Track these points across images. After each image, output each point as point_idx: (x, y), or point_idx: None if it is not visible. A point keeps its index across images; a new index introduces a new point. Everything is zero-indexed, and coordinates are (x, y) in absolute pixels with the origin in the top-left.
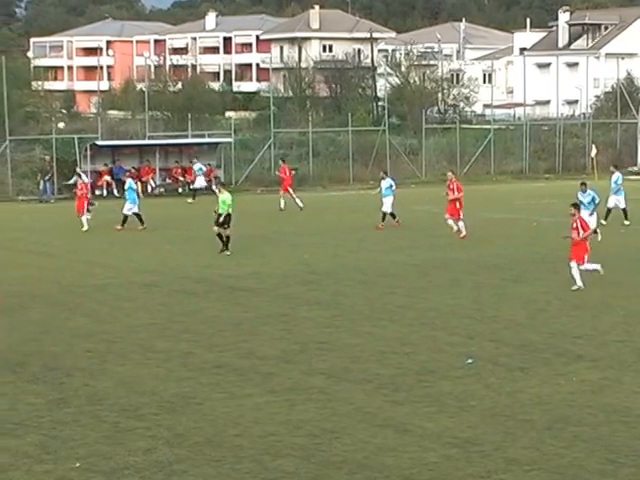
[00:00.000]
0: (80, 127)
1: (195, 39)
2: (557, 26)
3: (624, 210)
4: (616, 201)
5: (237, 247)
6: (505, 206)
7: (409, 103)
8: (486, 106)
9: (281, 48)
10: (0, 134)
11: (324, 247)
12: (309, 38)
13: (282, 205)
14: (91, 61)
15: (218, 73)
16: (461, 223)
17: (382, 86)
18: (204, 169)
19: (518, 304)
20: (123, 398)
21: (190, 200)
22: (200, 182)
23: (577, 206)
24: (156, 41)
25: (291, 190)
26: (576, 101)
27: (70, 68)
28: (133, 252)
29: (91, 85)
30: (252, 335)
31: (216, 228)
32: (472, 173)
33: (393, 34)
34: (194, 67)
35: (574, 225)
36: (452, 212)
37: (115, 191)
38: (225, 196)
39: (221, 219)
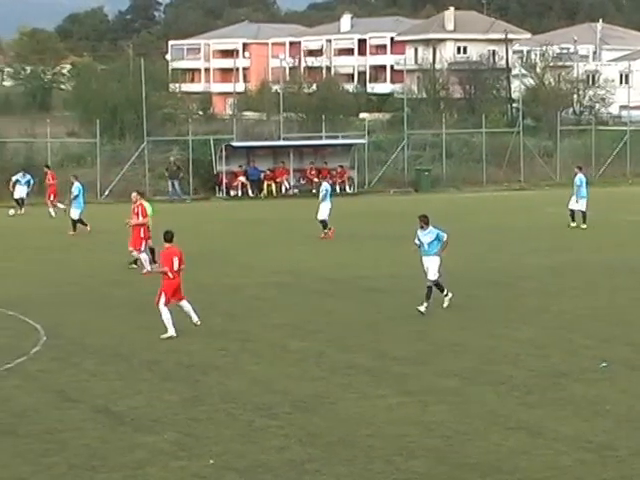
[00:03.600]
0: (216, 128)
1: (330, 41)
2: None
3: (573, 212)
4: (576, 202)
5: (372, 248)
6: None
7: (544, 104)
8: (622, 107)
9: (415, 50)
10: (138, 135)
11: (458, 248)
12: (444, 39)
13: (53, 214)
14: (227, 63)
15: (352, 75)
16: (143, 255)
17: (517, 87)
18: (23, 180)
19: None
20: (257, 397)
21: (12, 212)
22: (20, 192)
23: (170, 238)
24: (291, 43)
25: (52, 197)
26: None
27: (207, 70)
28: (268, 252)
29: (227, 87)
30: (385, 336)
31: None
32: (608, 175)
33: (528, 35)
34: (329, 69)
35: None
36: (134, 242)
37: (250, 192)
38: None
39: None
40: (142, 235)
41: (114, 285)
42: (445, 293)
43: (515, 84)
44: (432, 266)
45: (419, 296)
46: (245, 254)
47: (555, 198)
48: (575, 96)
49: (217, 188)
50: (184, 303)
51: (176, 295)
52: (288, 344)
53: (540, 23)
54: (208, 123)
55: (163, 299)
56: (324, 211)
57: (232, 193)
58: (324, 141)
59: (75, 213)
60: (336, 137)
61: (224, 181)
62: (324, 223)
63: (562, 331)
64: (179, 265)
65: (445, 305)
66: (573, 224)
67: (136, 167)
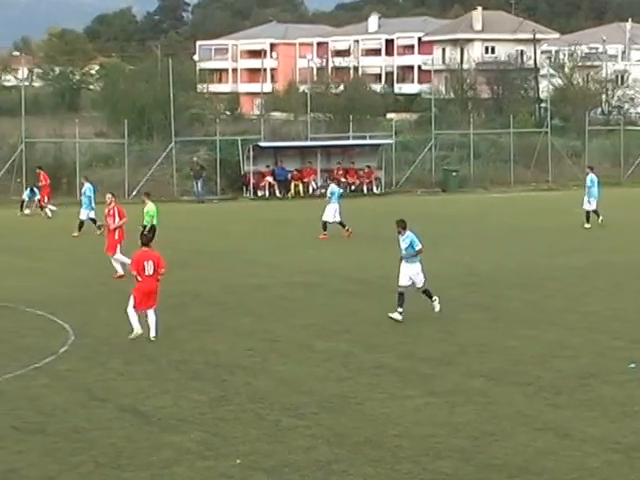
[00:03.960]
0: (243, 128)
1: (357, 41)
2: None
3: (588, 213)
4: (587, 202)
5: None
6: None
7: (572, 104)
8: None
9: (443, 50)
10: (166, 135)
11: (485, 249)
12: (471, 39)
13: (50, 214)
14: (255, 63)
15: (380, 75)
16: (118, 256)
17: (545, 87)
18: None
19: None
20: (284, 397)
21: (27, 211)
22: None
23: (146, 241)
24: (319, 43)
25: (46, 199)
26: None
27: (234, 71)
28: (295, 252)
29: (255, 87)
30: (412, 336)
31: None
32: (636, 175)
33: (557, 35)
34: (356, 69)
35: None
36: (109, 246)
37: (277, 192)
38: (149, 207)
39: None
40: (117, 237)
41: None
42: (401, 305)
43: (543, 84)
44: (417, 274)
45: (445, 297)
46: (272, 254)
47: (583, 199)
48: (604, 96)
49: (244, 188)
50: (151, 312)
51: (148, 301)
52: (315, 344)
53: (568, 23)
54: (236, 123)
55: (132, 302)
56: (329, 213)
57: (259, 193)
58: (351, 141)
59: (84, 214)
60: (363, 137)
61: (251, 181)
62: (325, 225)
63: (589, 332)
64: (155, 269)
65: (392, 315)
66: (587, 225)
67: (164, 167)
